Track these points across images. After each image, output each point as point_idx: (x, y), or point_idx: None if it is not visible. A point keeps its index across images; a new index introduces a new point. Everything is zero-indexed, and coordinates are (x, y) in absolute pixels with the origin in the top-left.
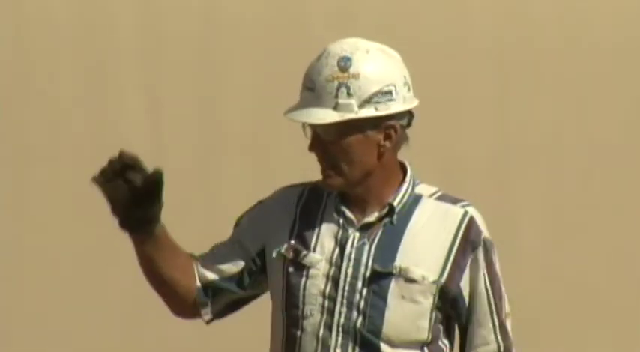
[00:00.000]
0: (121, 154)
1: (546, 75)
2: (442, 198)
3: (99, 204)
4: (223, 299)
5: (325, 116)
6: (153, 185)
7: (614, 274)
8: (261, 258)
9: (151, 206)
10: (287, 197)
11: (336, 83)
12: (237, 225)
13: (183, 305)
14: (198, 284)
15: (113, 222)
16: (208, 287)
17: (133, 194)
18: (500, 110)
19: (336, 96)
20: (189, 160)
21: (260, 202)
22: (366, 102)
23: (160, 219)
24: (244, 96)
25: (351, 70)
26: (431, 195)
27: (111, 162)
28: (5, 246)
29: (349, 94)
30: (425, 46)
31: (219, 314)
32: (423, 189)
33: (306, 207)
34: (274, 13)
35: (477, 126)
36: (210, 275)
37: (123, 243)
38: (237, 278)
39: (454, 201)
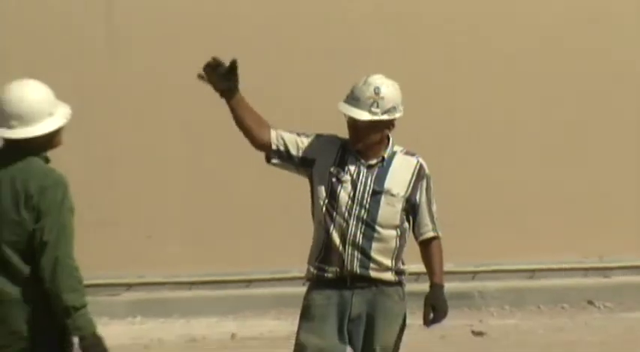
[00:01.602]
0: (215, 59)
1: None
2: (406, 153)
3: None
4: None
5: (364, 116)
6: (231, 71)
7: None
8: (308, 162)
9: (230, 80)
10: (336, 140)
11: (371, 100)
12: (304, 134)
13: (256, 144)
14: (274, 147)
15: None
16: (279, 150)
17: (222, 76)
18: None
19: (371, 106)
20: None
21: (319, 134)
22: (385, 112)
23: (238, 89)
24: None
25: (381, 95)
26: (400, 151)
27: (208, 64)
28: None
29: (378, 107)
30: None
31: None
32: (396, 147)
33: (343, 150)
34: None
35: (427, 110)
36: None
37: None
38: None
39: (412, 154)
